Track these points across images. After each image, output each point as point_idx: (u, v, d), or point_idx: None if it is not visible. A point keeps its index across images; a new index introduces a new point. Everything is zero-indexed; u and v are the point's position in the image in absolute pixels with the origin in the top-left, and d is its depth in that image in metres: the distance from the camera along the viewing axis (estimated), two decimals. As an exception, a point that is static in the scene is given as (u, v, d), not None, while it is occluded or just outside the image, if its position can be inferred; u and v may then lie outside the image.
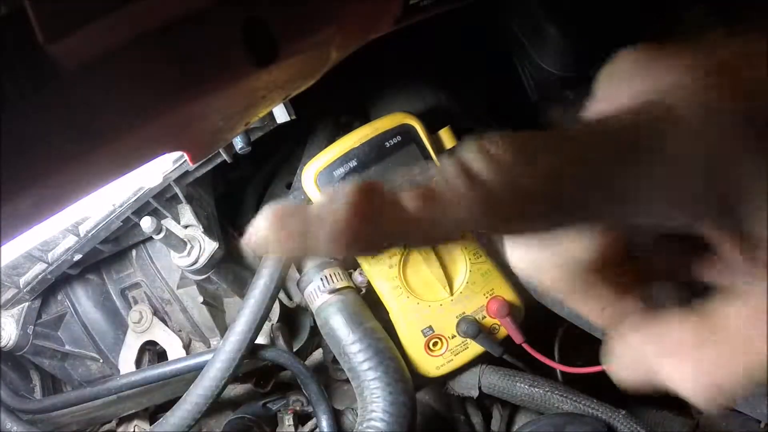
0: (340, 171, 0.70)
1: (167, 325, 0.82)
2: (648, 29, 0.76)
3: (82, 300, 0.84)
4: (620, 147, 0.23)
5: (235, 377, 0.71)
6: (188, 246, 0.74)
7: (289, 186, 0.84)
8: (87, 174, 0.40)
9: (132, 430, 0.89)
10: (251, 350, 0.71)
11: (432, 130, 0.73)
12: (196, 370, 0.71)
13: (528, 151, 0.24)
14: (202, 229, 0.75)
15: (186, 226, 0.76)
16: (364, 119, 0.81)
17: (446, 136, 0.74)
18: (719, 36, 0.28)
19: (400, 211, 0.23)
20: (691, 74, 0.26)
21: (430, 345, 0.74)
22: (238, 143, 0.66)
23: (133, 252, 0.83)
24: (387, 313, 0.75)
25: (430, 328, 0.74)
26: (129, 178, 0.46)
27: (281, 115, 0.68)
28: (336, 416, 0.75)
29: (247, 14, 0.40)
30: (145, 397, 0.82)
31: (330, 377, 0.91)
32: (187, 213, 0.76)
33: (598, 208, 0.24)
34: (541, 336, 0.75)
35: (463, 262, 0.74)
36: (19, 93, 0.34)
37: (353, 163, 0.70)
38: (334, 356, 0.74)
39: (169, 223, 0.77)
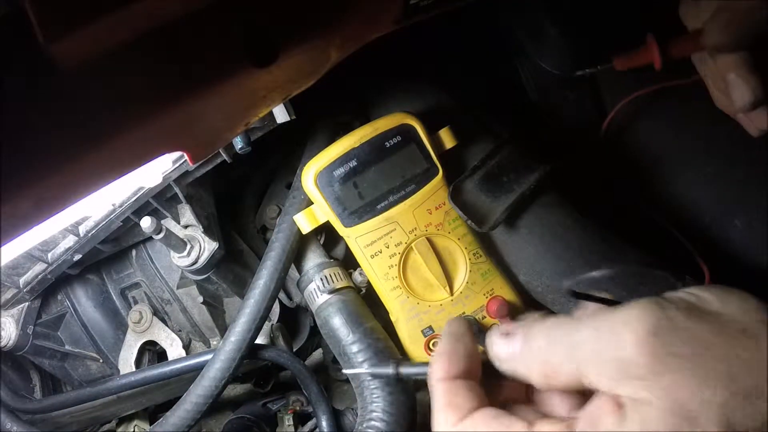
0: (340, 171, 0.70)
1: (167, 325, 0.82)
2: (648, 29, 0.76)
3: (82, 300, 0.84)
4: None
5: (235, 377, 0.71)
6: (188, 246, 0.74)
7: (289, 186, 0.84)
8: (87, 174, 0.40)
9: (132, 430, 0.89)
10: (251, 350, 0.71)
11: (432, 130, 0.73)
12: (196, 370, 0.71)
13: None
14: (202, 229, 0.75)
15: (186, 226, 0.76)
16: (364, 119, 0.81)
17: (446, 136, 0.74)
18: None
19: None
20: None
21: (430, 345, 0.74)
22: (238, 143, 0.66)
23: (133, 252, 0.83)
24: (387, 313, 0.75)
25: (430, 328, 0.74)
26: (129, 178, 0.46)
27: (281, 115, 0.68)
28: (336, 416, 0.75)
29: (248, 15, 0.40)
30: (145, 397, 0.82)
31: (330, 377, 0.91)
32: (187, 213, 0.76)
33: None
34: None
35: (463, 262, 0.74)
36: (19, 93, 0.34)
37: (353, 163, 0.70)
38: (334, 356, 0.74)
39: (169, 223, 0.77)
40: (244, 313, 0.70)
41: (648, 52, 0.72)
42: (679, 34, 0.71)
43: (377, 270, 0.72)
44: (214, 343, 0.83)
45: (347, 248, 0.75)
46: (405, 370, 0.55)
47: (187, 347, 0.82)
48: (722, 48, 0.63)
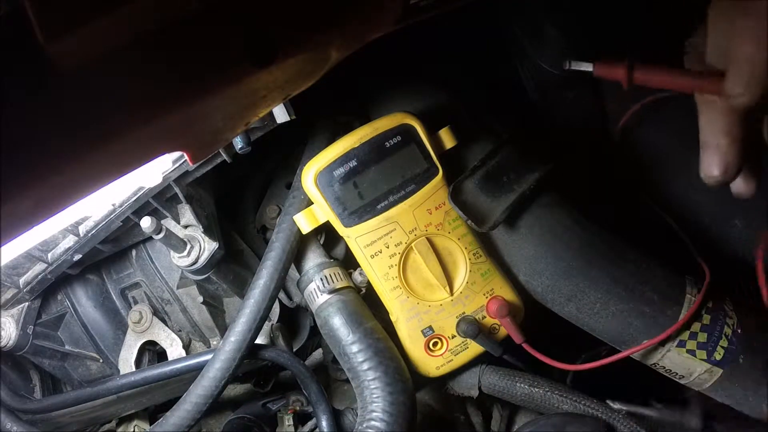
0: (340, 171, 0.70)
1: (167, 325, 0.82)
2: (647, 29, 0.76)
3: (82, 300, 0.84)
4: None
5: (235, 377, 0.71)
6: (188, 246, 0.74)
7: (289, 186, 0.84)
8: (87, 174, 0.40)
9: (132, 430, 0.89)
10: (251, 350, 0.71)
11: (432, 130, 0.73)
12: (196, 370, 0.71)
13: None
14: (202, 229, 0.75)
15: (186, 226, 0.76)
16: (364, 119, 0.81)
17: (446, 136, 0.74)
18: None
19: None
20: None
21: (430, 345, 0.75)
22: (238, 143, 0.66)
23: (133, 252, 0.83)
24: (387, 313, 0.75)
25: (430, 328, 0.74)
26: (129, 178, 0.46)
27: (281, 115, 0.68)
28: (336, 416, 0.75)
29: (248, 15, 0.40)
30: (145, 397, 0.82)
31: (330, 377, 0.91)
32: (187, 213, 0.76)
33: None
34: (541, 336, 0.75)
35: (463, 262, 0.74)
36: (19, 93, 0.34)
37: (353, 163, 0.70)
38: (334, 356, 0.74)
39: (169, 223, 0.77)
40: (244, 313, 0.70)
41: (617, 70, 0.64)
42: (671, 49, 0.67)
43: (377, 270, 0.72)
44: (214, 343, 0.83)
45: (347, 248, 0.75)
46: None
47: (187, 347, 0.82)
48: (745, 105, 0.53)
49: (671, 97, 0.83)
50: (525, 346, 0.74)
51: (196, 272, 0.77)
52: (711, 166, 0.56)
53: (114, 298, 0.85)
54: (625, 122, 0.87)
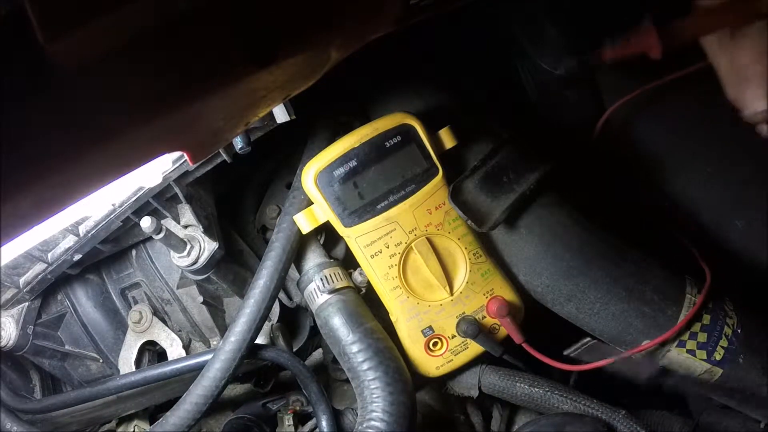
0: (340, 171, 0.70)
1: (167, 325, 0.82)
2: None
3: (82, 300, 0.84)
4: None
5: (235, 377, 0.71)
6: (188, 246, 0.74)
7: (289, 186, 0.84)
8: (87, 174, 0.40)
9: (132, 430, 0.89)
10: (251, 350, 0.71)
11: (432, 130, 0.73)
12: (196, 370, 0.71)
13: None
14: (202, 229, 0.75)
15: (186, 226, 0.76)
16: (364, 119, 0.81)
17: (446, 136, 0.74)
18: None
19: None
20: None
21: (430, 345, 0.74)
22: (238, 143, 0.66)
23: (133, 252, 0.83)
24: (387, 313, 0.75)
25: (430, 328, 0.74)
26: (129, 178, 0.46)
27: (281, 115, 0.68)
28: (336, 416, 0.75)
29: (248, 15, 0.40)
30: (145, 397, 0.82)
31: (330, 377, 0.91)
32: (187, 213, 0.76)
33: None
34: (541, 336, 0.75)
35: (463, 262, 0.74)
36: (19, 93, 0.34)
37: (353, 163, 0.70)
38: (334, 356, 0.74)
39: (169, 223, 0.77)
40: (244, 313, 0.70)
41: (645, 38, 0.56)
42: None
43: (377, 270, 0.72)
44: (214, 343, 0.83)
45: (347, 248, 0.75)
46: None
47: (187, 347, 0.82)
48: None
49: (667, 92, 0.83)
50: (525, 346, 0.74)
51: (196, 272, 0.77)
52: (754, 100, 0.51)
53: (114, 298, 0.85)
54: (612, 119, 0.86)
